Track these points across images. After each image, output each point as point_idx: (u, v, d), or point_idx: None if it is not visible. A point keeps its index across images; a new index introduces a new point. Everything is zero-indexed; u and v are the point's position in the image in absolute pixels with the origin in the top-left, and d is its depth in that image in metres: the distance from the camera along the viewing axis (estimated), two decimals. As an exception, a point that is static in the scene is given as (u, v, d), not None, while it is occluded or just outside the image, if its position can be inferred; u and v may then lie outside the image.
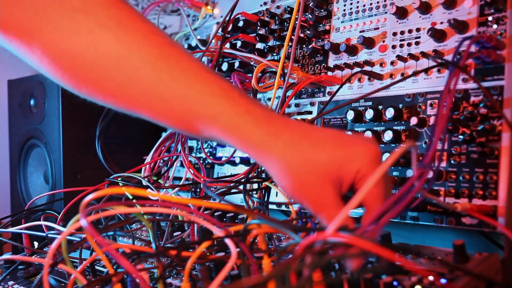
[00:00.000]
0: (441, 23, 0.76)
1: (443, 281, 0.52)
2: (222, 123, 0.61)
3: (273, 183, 0.83)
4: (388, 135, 0.77)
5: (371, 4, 0.86)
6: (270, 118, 0.61)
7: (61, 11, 0.63)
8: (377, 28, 0.84)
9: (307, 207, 0.59)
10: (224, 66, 1.04)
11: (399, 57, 0.79)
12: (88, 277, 0.72)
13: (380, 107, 0.80)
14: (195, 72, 0.63)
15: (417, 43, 0.78)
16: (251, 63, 0.95)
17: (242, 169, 1.00)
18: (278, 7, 1.01)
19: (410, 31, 0.79)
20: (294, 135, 0.59)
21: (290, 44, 0.91)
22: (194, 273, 0.67)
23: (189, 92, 0.62)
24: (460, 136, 0.69)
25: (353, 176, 0.57)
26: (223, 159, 1.01)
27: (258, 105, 0.63)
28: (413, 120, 0.74)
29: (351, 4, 0.89)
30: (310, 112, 0.92)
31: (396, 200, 0.52)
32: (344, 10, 0.90)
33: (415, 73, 0.76)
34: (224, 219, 0.87)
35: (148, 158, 1.02)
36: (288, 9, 0.98)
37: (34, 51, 0.64)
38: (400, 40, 0.81)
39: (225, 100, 0.61)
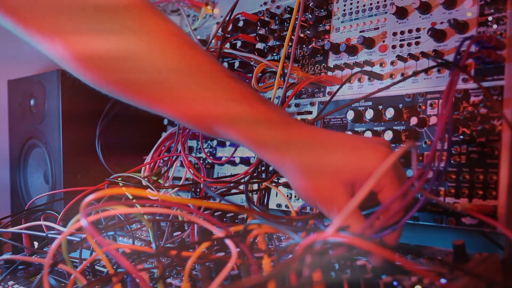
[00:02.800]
0: (441, 23, 0.76)
1: (443, 281, 0.52)
2: (241, 129, 0.63)
3: (273, 184, 0.83)
4: (388, 135, 0.77)
5: (371, 4, 0.86)
6: (287, 125, 0.63)
7: (84, 11, 0.64)
8: (377, 28, 0.84)
9: (321, 209, 0.60)
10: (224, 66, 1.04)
11: (399, 57, 0.79)
12: (88, 277, 0.72)
13: (380, 107, 0.80)
14: (216, 77, 0.65)
15: (417, 43, 0.78)
16: (251, 63, 0.95)
17: (242, 169, 1.00)
18: (278, 7, 1.01)
19: (410, 31, 0.79)
20: (309, 141, 0.61)
21: (290, 44, 0.91)
22: (194, 273, 0.67)
23: (210, 96, 0.64)
24: (460, 136, 0.69)
25: (366, 179, 0.57)
26: (223, 159, 1.01)
27: (276, 111, 0.65)
28: (413, 120, 0.74)
29: (351, 4, 0.89)
30: (310, 112, 0.92)
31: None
32: (344, 10, 0.90)
33: (415, 73, 0.76)
34: (224, 219, 0.87)
35: (148, 158, 1.02)
36: (288, 9, 0.98)
37: (56, 48, 0.65)
38: (400, 40, 0.81)
39: (245, 106, 0.63)
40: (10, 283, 0.79)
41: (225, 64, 1.04)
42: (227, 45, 1.00)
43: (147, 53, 0.64)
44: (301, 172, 0.60)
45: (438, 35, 0.75)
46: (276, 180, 0.89)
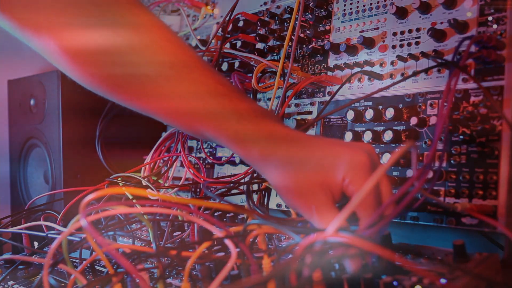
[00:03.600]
0: (441, 23, 0.76)
1: (443, 281, 0.52)
2: (219, 124, 0.64)
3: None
4: (388, 135, 0.77)
5: (371, 4, 0.86)
6: (267, 122, 0.64)
7: (75, 5, 0.65)
8: (377, 28, 0.84)
9: (298, 208, 0.61)
10: (224, 66, 1.04)
11: (399, 57, 0.79)
12: (88, 277, 0.72)
13: (380, 107, 0.80)
14: (207, 84, 0.66)
15: (417, 43, 0.78)
16: (251, 63, 0.95)
17: (242, 169, 1.00)
18: (278, 7, 1.01)
19: (410, 31, 0.79)
20: (291, 139, 0.62)
21: (290, 44, 0.91)
22: (194, 273, 0.67)
23: (199, 103, 0.65)
24: (460, 136, 0.69)
25: (339, 183, 0.58)
26: (223, 159, 1.01)
27: (257, 109, 0.66)
28: (413, 120, 0.74)
29: (351, 4, 0.89)
30: (310, 112, 0.92)
31: (387, 207, 0.53)
32: (344, 10, 0.90)
33: (415, 73, 0.76)
34: (224, 219, 0.87)
35: (148, 158, 1.02)
36: (288, 9, 0.98)
37: (47, 43, 0.66)
38: (400, 40, 0.80)
39: (226, 102, 0.65)
40: (10, 283, 0.79)
41: (225, 64, 1.04)
42: (227, 45, 1.00)
43: (137, 55, 0.66)
44: (283, 169, 0.61)
45: (438, 35, 0.75)
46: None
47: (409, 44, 0.79)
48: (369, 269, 0.55)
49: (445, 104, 0.60)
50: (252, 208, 0.73)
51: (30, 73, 1.33)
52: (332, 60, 0.90)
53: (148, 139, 1.11)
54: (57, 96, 1.18)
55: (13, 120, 1.38)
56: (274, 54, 0.99)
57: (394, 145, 0.78)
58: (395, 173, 0.77)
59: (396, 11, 0.79)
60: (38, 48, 0.68)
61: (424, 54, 0.76)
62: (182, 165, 1.02)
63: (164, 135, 1.05)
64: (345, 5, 0.90)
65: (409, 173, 0.76)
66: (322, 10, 0.93)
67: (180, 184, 1.02)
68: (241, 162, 0.99)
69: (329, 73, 0.89)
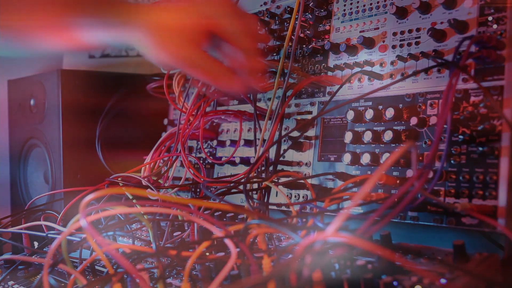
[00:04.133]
0: (441, 23, 0.76)
1: (443, 281, 0.52)
2: (94, 23, 0.71)
3: (273, 183, 0.82)
4: (388, 135, 0.77)
5: (371, 4, 0.86)
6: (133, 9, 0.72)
7: None
8: (377, 28, 0.84)
9: (180, 68, 0.74)
10: (224, 66, 1.04)
11: (399, 57, 0.79)
12: (88, 277, 0.72)
13: (380, 107, 0.80)
14: None
15: (417, 43, 0.78)
16: (251, 63, 0.94)
17: (242, 169, 1.00)
18: (278, 7, 1.01)
19: (410, 31, 0.79)
20: (152, 8, 0.72)
21: (290, 44, 0.91)
22: (194, 273, 0.67)
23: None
24: (460, 136, 0.69)
25: (204, 28, 0.71)
26: (223, 159, 1.01)
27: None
28: (413, 120, 0.74)
29: (351, 4, 0.89)
30: (310, 112, 0.92)
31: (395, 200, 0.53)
32: (344, 10, 0.90)
33: (415, 73, 0.76)
34: (224, 219, 0.87)
35: (148, 158, 1.02)
36: (288, 9, 0.98)
37: None
38: (400, 40, 0.80)
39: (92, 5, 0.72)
40: (10, 283, 0.79)
41: (225, 64, 1.04)
42: (227, 45, 1.00)
43: None
44: (153, 35, 0.68)
45: (438, 35, 0.75)
46: (276, 180, 0.89)
47: (409, 44, 0.79)
48: (369, 269, 0.55)
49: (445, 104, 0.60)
50: (252, 208, 0.73)
51: (30, 73, 1.33)
52: (332, 60, 0.90)
53: (148, 139, 1.11)
54: (57, 96, 1.18)
55: (13, 120, 1.38)
56: (274, 54, 0.99)
57: (394, 145, 0.78)
58: (395, 173, 0.77)
59: (396, 11, 0.79)
60: None
61: (424, 54, 0.76)
62: (182, 165, 1.02)
63: (164, 135, 1.05)
64: (345, 5, 0.90)
65: (409, 173, 0.76)
66: (322, 10, 0.93)
67: (180, 184, 1.02)
68: (241, 162, 0.99)
69: (329, 73, 0.89)
